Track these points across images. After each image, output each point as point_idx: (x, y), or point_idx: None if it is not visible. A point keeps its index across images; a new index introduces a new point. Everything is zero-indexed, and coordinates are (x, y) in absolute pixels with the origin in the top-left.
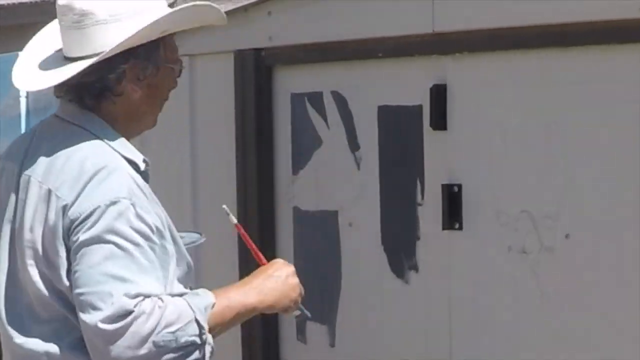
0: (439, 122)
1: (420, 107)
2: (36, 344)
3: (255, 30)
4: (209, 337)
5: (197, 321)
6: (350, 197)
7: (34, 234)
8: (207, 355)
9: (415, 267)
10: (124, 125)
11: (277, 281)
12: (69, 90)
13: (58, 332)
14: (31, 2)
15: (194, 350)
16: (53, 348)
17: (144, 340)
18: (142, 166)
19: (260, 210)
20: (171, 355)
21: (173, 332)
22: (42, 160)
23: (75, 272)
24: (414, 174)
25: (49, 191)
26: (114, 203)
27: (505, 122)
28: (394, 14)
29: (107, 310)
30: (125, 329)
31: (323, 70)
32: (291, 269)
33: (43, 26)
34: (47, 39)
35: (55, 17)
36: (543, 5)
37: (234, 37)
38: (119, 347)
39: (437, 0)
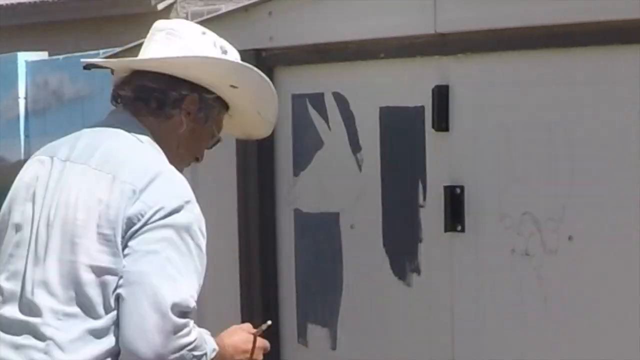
0: (441, 123)
1: (422, 108)
2: (45, 326)
3: (255, 31)
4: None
5: (206, 356)
6: (352, 199)
7: (89, 213)
8: None
9: (417, 270)
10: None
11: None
12: (132, 88)
13: (72, 319)
14: (30, 2)
15: None
16: (61, 333)
17: (179, 349)
18: None
19: (261, 212)
20: None
21: (196, 356)
22: (97, 154)
23: (146, 254)
24: (416, 176)
25: (112, 177)
26: (188, 202)
27: (508, 124)
28: (396, 14)
29: (175, 297)
30: (177, 328)
31: (324, 71)
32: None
33: (42, 26)
34: None
35: (52, 17)
36: (546, 5)
37: (234, 38)
38: (156, 340)
39: (440, 0)
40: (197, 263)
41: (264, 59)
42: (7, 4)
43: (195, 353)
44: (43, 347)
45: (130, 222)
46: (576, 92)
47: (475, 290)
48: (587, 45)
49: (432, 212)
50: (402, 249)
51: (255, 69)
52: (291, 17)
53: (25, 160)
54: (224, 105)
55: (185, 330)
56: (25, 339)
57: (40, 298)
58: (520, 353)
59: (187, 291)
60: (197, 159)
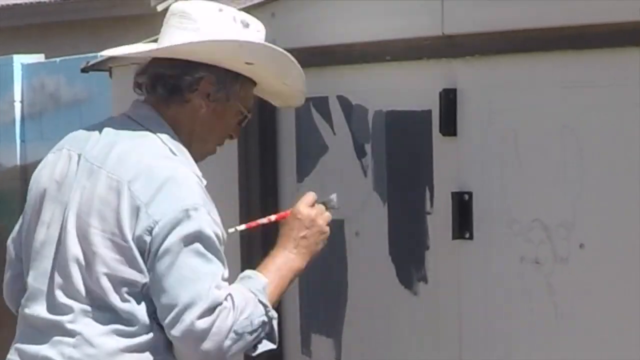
0: (449, 127)
1: (429, 112)
2: (73, 323)
3: None
4: (273, 312)
5: (260, 302)
6: (357, 206)
7: (103, 222)
8: (275, 327)
9: (424, 278)
10: (187, 138)
11: (308, 238)
12: (148, 76)
13: (100, 318)
14: (26, 3)
15: (265, 328)
16: (89, 328)
17: (228, 331)
18: (204, 182)
19: None
20: (249, 337)
21: (247, 317)
22: (112, 155)
23: (164, 275)
24: (423, 182)
25: (121, 184)
26: (195, 209)
27: (517, 128)
28: (403, 16)
29: (206, 303)
30: (212, 323)
31: (329, 74)
32: (312, 212)
33: (38, 28)
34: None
35: (48, 18)
36: (557, 6)
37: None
38: (208, 342)
39: (447, 1)
40: (217, 258)
41: None
42: (2, 5)
43: (245, 315)
44: (73, 342)
45: (141, 239)
46: (588, 95)
47: (483, 299)
48: (600, 47)
49: (439, 219)
50: (408, 257)
51: (270, 45)
52: (295, 19)
53: (21, 166)
54: (250, 80)
55: (218, 322)
56: (55, 336)
57: (66, 300)
58: None
59: (204, 291)
60: (231, 137)
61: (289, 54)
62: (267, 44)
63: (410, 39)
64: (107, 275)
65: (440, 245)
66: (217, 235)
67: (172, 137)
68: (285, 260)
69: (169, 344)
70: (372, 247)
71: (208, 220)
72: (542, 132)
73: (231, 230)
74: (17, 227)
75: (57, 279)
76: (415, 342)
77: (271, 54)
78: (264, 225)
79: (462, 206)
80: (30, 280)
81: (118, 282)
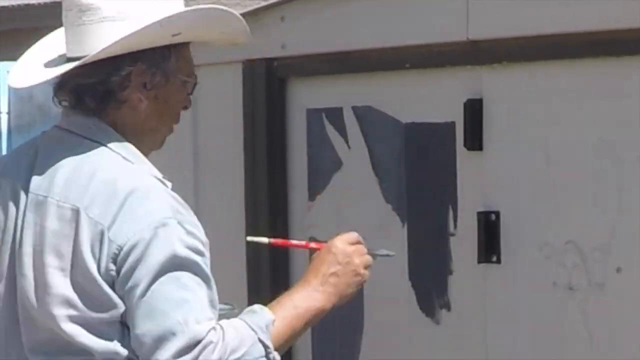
0: (474, 141)
1: (452, 124)
2: None
3: (266, 38)
4: (275, 355)
5: (260, 341)
6: (374, 226)
7: (64, 261)
8: None
9: (447, 306)
10: (136, 137)
11: (340, 276)
12: (70, 92)
13: None
14: (13, 6)
15: None
16: None
17: None
18: (169, 185)
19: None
20: None
21: (240, 358)
22: (58, 179)
23: (137, 306)
24: (446, 200)
25: (76, 212)
26: (163, 225)
27: (548, 141)
28: (423, 19)
29: (181, 340)
30: None
31: (343, 83)
32: (349, 249)
33: (26, 33)
34: (52, 44)
35: (37, 23)
36: (589, 10)
37: (243, 45)
38: None
39: (472, 3)
40: (199, 277)
41: (276, 69)
42: None
43: (237, 355)
44: None
45: (107, 269)
46: (624, 105)
47: (512, 328)
48: (636, 53)
49: (464, 241)
50: (430, 283)
51: (191, 8)
52: (306, 23)
53: None
54: (182, 44)
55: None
56: None
57: (30, 356)
58: None
59: (178, 326)
60: (185, 107)
61: (218, 6)
62: (186, 8)
63: (431, 45)
64: (73, 317)
65: (464, 269)
66: (194, 250)
67: (120, 141)
68: (306, 298)
69: None
70: (390, 272)
71: (180, 234)
72: (576, 147)
73: (250, 239)
74: None
75: (23, 337)
76: None
77: (197, 15)
78: (291, 246)
79: (489, 227)
80: None
81: (88, 323)
